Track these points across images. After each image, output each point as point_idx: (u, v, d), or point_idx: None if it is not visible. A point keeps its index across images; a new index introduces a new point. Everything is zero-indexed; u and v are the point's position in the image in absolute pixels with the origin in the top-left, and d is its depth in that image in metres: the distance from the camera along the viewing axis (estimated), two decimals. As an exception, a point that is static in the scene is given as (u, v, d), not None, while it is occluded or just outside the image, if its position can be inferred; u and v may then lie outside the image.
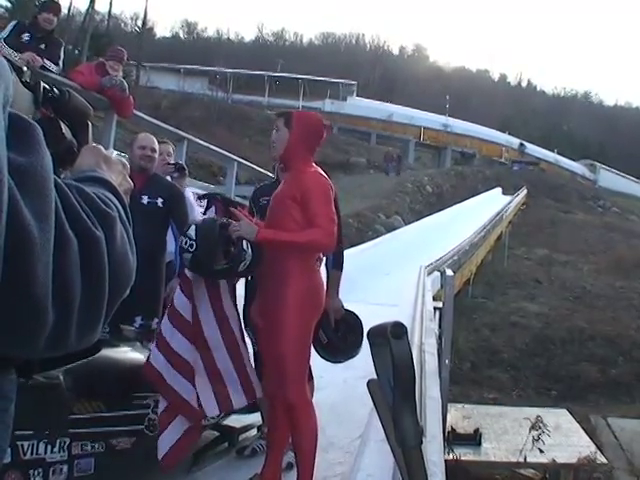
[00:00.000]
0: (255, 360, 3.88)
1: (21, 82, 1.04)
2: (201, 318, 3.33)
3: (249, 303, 3.74)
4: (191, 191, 6.14)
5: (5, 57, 0.73)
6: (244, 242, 3.27)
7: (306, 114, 3.67)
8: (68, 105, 1.20)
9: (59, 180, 0.76)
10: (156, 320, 4.46)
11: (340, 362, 4.01)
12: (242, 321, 3.59)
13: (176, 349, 3.21)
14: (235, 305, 3.51)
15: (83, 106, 1.26)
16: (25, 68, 1.09)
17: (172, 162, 5.38)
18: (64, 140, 1.13)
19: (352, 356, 3.93)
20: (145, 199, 4.40)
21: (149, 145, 4.55)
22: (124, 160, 1.16)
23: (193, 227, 3.35)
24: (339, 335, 3.90)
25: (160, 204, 4.45)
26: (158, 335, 3.33)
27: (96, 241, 0.78)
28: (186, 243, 3.30)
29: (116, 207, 0.86)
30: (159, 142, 5.27)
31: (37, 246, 0.68)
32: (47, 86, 1.14)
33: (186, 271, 3.44)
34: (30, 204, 0.67)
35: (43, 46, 6.40)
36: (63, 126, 1.14)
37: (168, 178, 5.24)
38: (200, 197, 4.47)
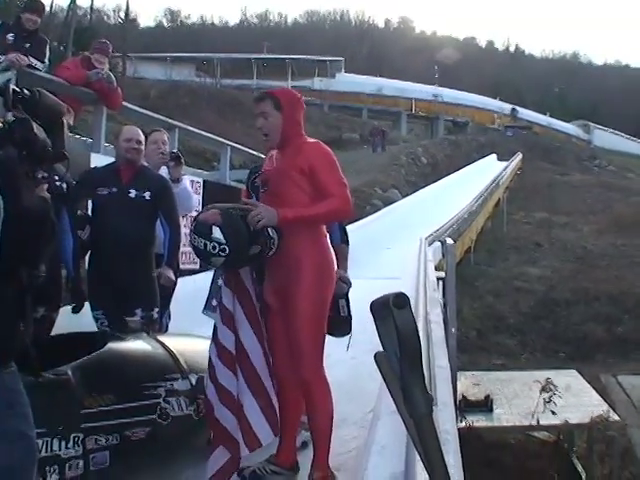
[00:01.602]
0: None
1: None
2: (242, 339, 3.16)
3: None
4: (189, 179, 6.11)
5: None
6: (268, 228, 3.11)
7: (286, 91, 3.51)
8: (39, 105, 1.19)
9: None
10: (156, 309, 4.47)
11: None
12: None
13: (221, 381, 3.08)
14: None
15: (56, 105, 1.25)
16: None
17: (167, 152, 5.32)
18: (37, 140, 1.12)
19: (347, 333, 3.90)
20: (133, 192, 4.38)
21: (134, 137, 4.50)
22: None
23: (217, 229, 2.97)
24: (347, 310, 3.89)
25: (147, 197, 4.42)
26: (209, 365, 3.15)
27: None
28: (214, 248, 2.96)
29: None
30: (153, 131, 5.23)
31: None
32: (17, 88, 1.13)
33: (223, 300, 3.17)
34: None
35: (28, 45, 6.37)
36: (35, 126, 1.13)
37: (164, 168, 5.21)
38: None
